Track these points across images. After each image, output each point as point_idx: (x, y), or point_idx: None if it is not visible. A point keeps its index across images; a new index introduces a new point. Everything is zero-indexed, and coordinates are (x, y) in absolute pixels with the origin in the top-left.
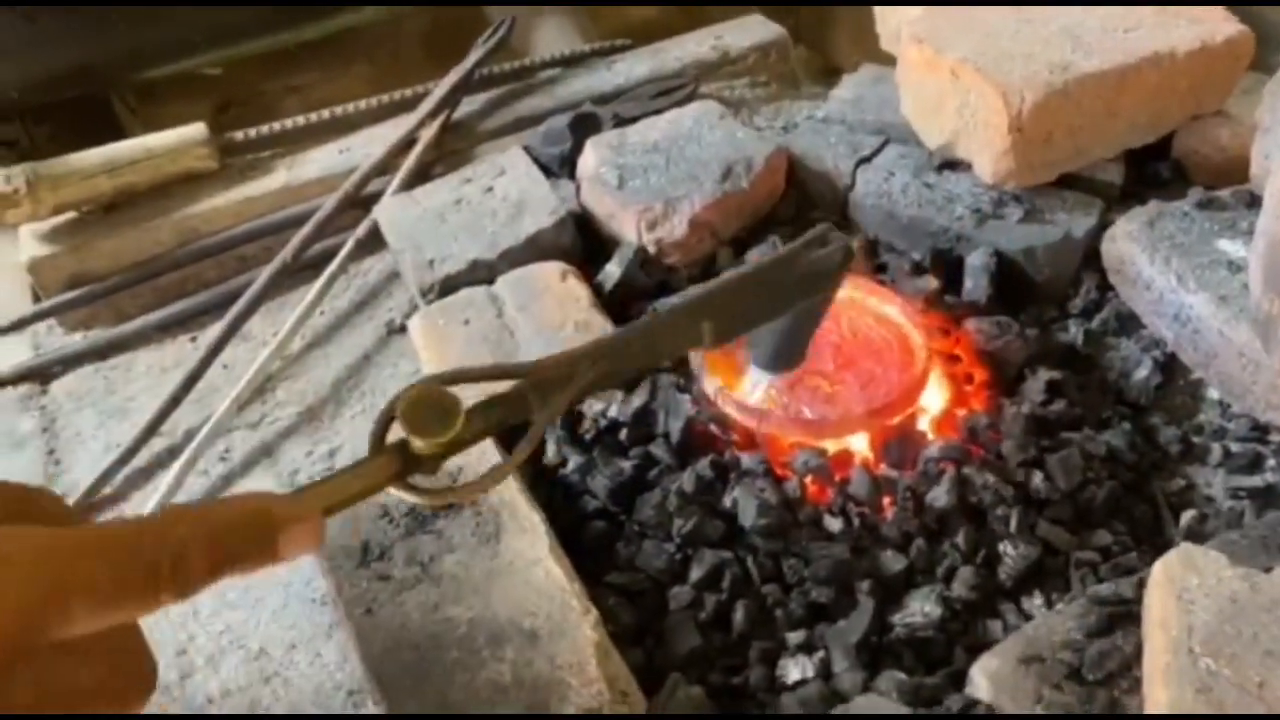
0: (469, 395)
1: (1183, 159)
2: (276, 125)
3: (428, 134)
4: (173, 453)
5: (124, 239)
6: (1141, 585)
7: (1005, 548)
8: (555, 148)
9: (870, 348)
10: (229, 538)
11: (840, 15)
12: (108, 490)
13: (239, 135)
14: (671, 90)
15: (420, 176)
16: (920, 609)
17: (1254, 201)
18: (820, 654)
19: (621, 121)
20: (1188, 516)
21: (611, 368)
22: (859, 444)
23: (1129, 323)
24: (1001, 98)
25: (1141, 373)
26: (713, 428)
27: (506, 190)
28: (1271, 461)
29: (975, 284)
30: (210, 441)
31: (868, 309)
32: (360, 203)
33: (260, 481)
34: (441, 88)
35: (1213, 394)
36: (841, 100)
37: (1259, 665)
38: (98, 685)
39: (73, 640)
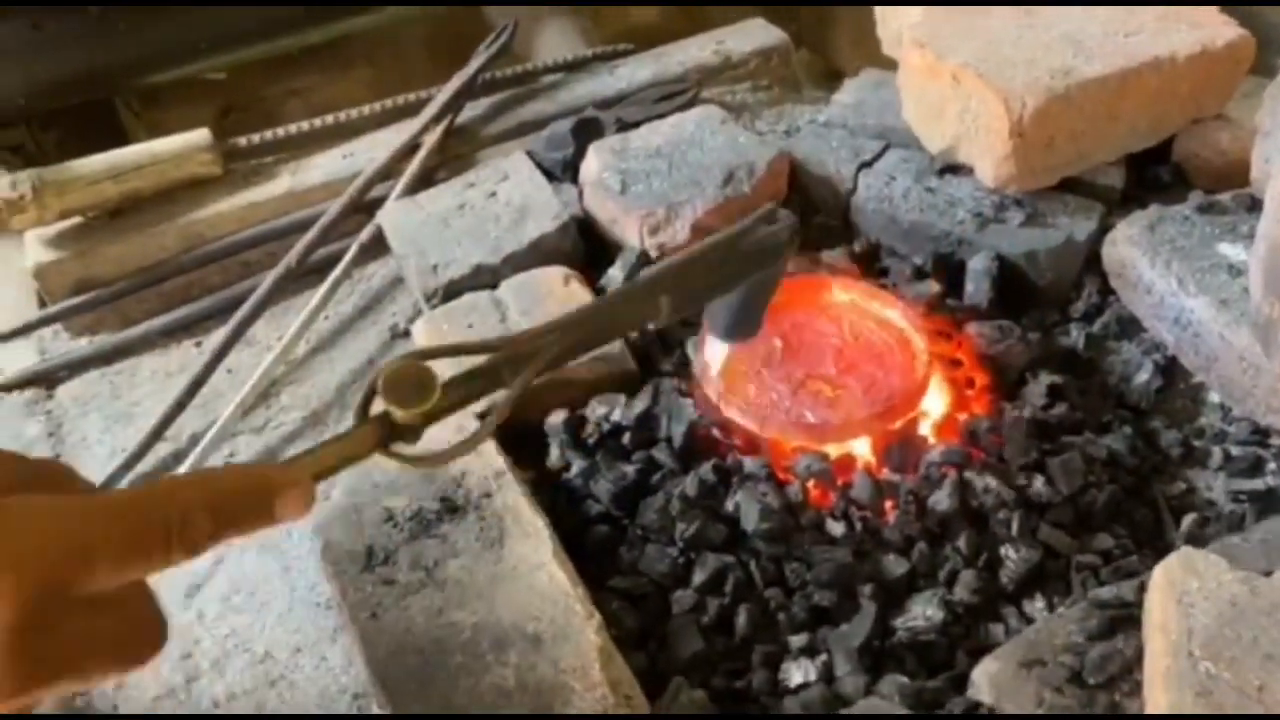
0: (446, 369)
1: (1183, 163)
2: (280, 130)
3: (431, 139)
4: (178, 457)
5: (129, 244)
6: (1142, 589)
7: (1007, 551)
8: (558, 152)
9: (872, 352)
10: (230, 502)
11: (841, 19)
12: None
13: (243, 141)
14: (674, 95)
15: (424, 181)
16: (922, 612)
17: (1254, 205)
18: (823, 657)
19: (624, 126)
20: (1188, 520)
21: (576, 340)
22: (861, 448)
23: (1130, 326)
24: (1003, 103)
25: (1142, 376)
26: (715, 432)
27: (509, 195)
28: (1272, 465)
29: (977, 288)
30: (215, 446)
31: (869, 313)
32: (364, 208)
33: None
34: (445, 93)
35: (1213, 397)
36: (843, 105)
37: (1259, 669)
38: (115, 635)
39: (91, 595)
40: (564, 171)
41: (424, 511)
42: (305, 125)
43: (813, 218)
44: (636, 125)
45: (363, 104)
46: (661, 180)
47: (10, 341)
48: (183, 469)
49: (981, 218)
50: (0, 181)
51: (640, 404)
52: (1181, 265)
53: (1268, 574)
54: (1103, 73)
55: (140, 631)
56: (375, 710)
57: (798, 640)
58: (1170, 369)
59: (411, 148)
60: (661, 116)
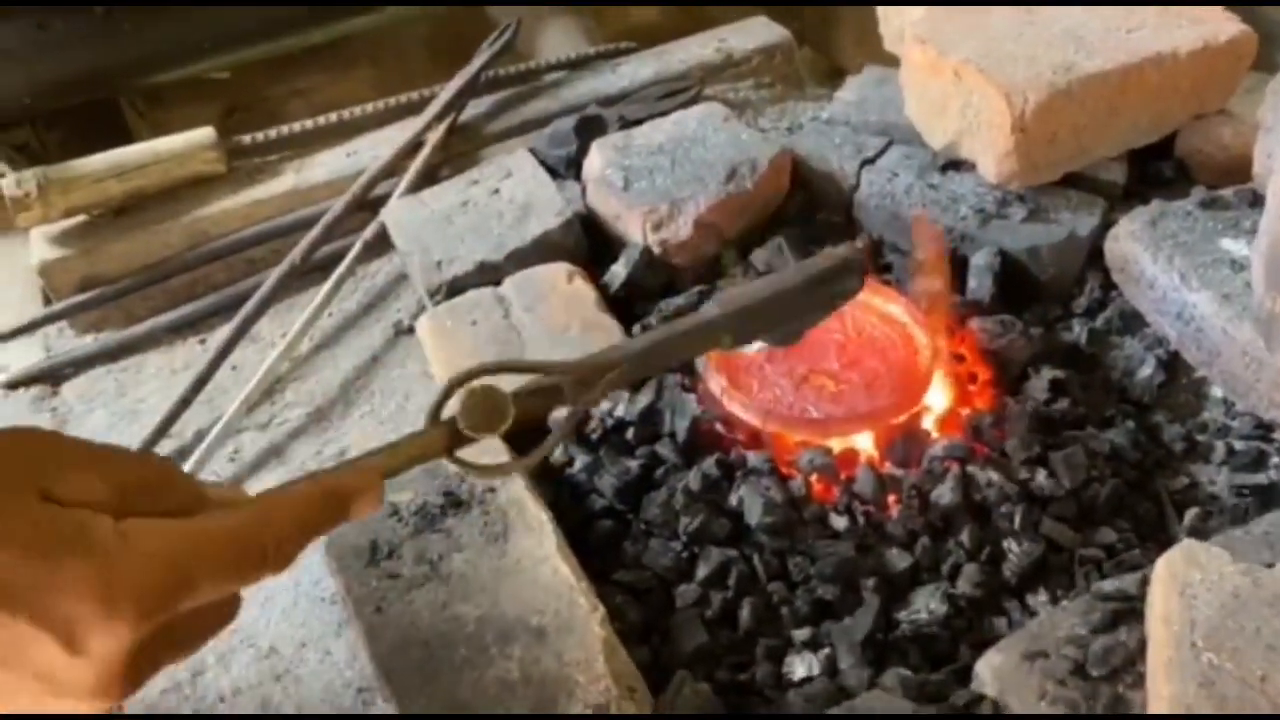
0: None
1: (1186, 158)
2: (284, 129)
3: (434, 137)
4: (183, 454)
5: (134, 242)
6: (1145, 581)
7: (1010, 545)
8: (561, 150)
9: (875, 347)
10: (316, 517)
11: (844, 17)
12: None
13: (247, 139)
14: (676, 92)
15: (427, 179)
16: (925, 606)
17: (1256, 200)
18: (826, 651)
19: (627, 123)
20: (1191, 514)
21: (638, 371)
22: (864, 443)
23: (1132, 321)
24: (1005, 98)
25: (1145, 371)
26: (718, 427)
27: (513, 192)
28: (1275, 459)
29: (979, 283)
30: (220, 442)
31: (873, 308)
32: (368, 205)
33: (269, 482)
34: (448, 91)
35: (1216, 392)
36: (846, 101)
37: (1261, 659)
38: (203, 626)
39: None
40: (567, 169)
41: (428, 506)
42: (309, 123)
43: (816, 214)
44: (639, 122)
45: (365, 103)
46: (664, 177)
47: (16, 339)
48: (188, 466)
49: (984, 213)
50: (5, 180)
51: (644, 399)
52: (1184, 260)
53: (1269, 566)
54: (1104, 68)
55: (222, 615)
56: (380, 704)
57: (801, 634)
58: (1173, 364)
59: (415, 145)
60: (664, 114)
